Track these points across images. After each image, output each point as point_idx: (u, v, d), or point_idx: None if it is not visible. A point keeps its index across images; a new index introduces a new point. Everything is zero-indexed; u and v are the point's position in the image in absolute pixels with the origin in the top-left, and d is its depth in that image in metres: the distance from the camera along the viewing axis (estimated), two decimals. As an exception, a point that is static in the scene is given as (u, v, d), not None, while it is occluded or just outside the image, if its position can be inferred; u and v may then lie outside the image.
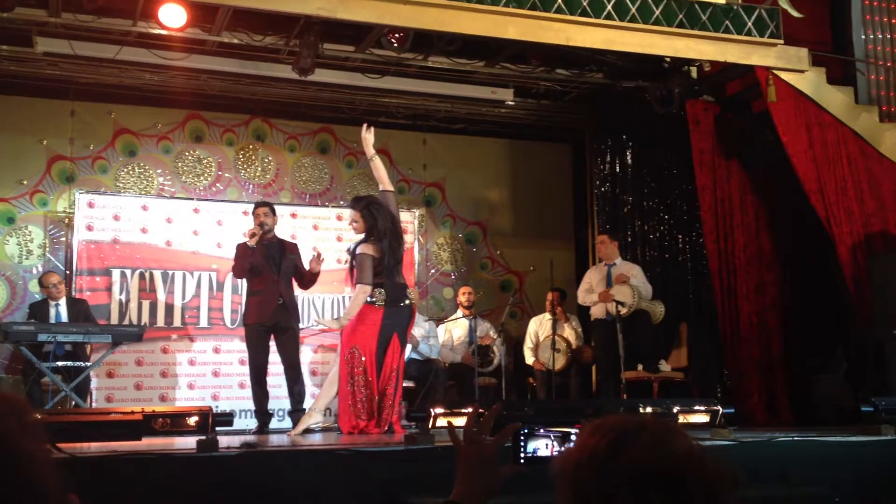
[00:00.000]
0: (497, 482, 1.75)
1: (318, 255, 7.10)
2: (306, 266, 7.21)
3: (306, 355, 8.30)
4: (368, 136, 6.54)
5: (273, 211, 7.28)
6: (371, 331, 6.25)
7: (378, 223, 6.27)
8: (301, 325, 7.55)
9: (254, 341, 7.04)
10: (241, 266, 7.05)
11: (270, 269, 7.02)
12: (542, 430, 1.84)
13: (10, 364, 8.05)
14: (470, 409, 1.88)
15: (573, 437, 1.86)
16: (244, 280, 7.45)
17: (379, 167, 6.55)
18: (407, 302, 6.35)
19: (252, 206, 8.05)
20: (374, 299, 6.26)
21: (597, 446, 1.30)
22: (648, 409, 5.42)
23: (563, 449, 1.86)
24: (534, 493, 3.16)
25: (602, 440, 1.30)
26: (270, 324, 6.99)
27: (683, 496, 1.26)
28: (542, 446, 1.84)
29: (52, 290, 7.54)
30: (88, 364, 7.21)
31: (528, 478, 1.84)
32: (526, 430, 1.83)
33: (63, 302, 7.60)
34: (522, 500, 3.36)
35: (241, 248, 7.11)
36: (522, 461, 1.83)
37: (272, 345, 7.13)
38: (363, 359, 6.22)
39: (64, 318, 7.50)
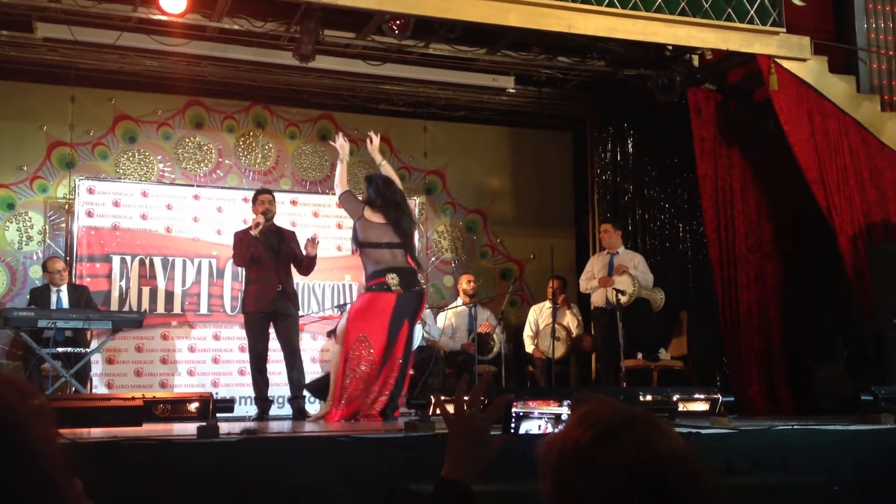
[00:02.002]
0: (488, 455, 1.73)
1: (314, 237, 7.11)
2: (303, 251, 7.22)
3: (306, 342, 8.30)
4: (374, 147, 6.68)
5: (274, 198, 7.29)
6: (382, 319, 6.13)
7: (370, 193, 6.44)
8: (301, 313, 7.55)
9: (253, 329, 7.03)
10: (243, 254, 7.04)
11: (269, 256, 7.01)
12: (535, 413, 1.85)
13: (10, 350, 8.05)
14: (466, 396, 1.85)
15: (564, 419, 1.86)
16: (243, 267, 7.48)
17: (389, 171, 6.64)
18: (418, 288, 6.35)
19: (252, 192, 8.08)
20: (387, 283, 6.15)
21: (581, 439, 1.29)
22: (648, 398, 5.44)
23: (554, 431, 1.85)
24: (525, 481, 3.17)
25: (587, 434, 1.29)
26: (269, 311, 6.98)
27: (663, 500, 1.25)
28: (535, 427, 1.85)
29: (55, 276, 7.55)
30: (88, 350, 7.21)
31: (521, 463, 1.84)
32: (520, 413, 1.83)
33: (64, 288, 7.61)
34: (513, 488, 3.38)
35: (240, 237, 7.12)
36: (513, 431, 1.83)
37: (272, 332, 7.13)
38: (371, 350, 6.12)
39: (65, 304, 7.51)
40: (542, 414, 1.85)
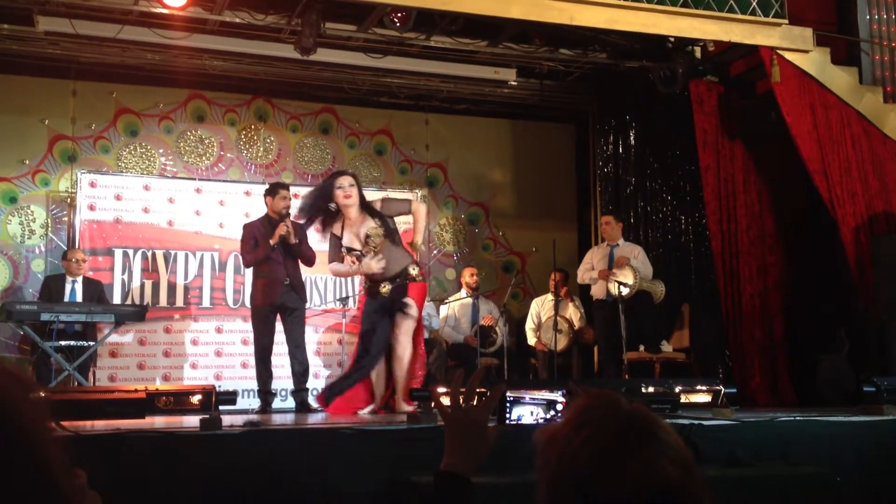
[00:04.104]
0: (486, 447, 1.74)
1: (282, 225, 7.01)
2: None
3: (308, 335, 8.29)
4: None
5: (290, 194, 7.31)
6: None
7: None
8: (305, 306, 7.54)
9: (260, 322, 7.00)
10: (255, 255, 7.00)
11: (278, 250, 7.00)
12: (527, 398, 1.84)
13: (17, 343, 8.05)
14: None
15: (559, 406, 1.85)
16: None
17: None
18: (399, 280, 6.29)
19: (254, 186, 8.11)
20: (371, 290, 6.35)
21: (578, 455, 1.26)
22: (651, 389, 5.44)
23: (547, 418, 1.85)
24: (520, 472, 3.17)
25: (585, 447, 1.26)
26: (278, 304, 6.97)
27: None
28: (527, 414, 1.84)
29: (74, 264, 7.55)
30: (92, 343, 7.22)
31: (516, 454, 1.83)
32: (511, 399, 1.82)
33: (80, 279, 7.61)
34: (510, 480, 3.38)
35: (250, 231, 7.08)
36: (507, 420, 1.82)
37: (278, 325, 7.12)
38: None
39: (79, 295, 7.52)
40: (534, 399, 1.84)
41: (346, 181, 6.31)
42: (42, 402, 1.17)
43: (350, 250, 6.23)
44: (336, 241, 6.34)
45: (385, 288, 6.19)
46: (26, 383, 1.16)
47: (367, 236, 6.22)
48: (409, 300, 6.20)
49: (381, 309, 6.27)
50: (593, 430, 1.28)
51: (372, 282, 6.29)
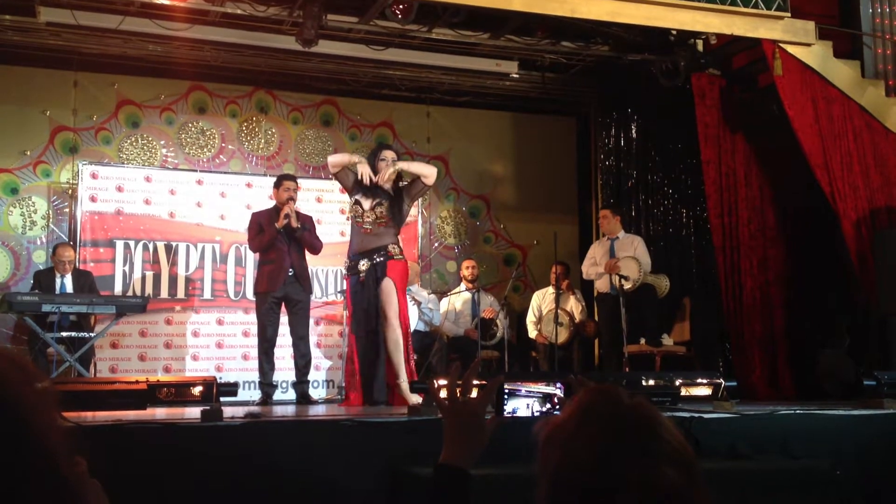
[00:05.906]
0: (484, 439, 1.74)
1: (282, 212, 6.97)
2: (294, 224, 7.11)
3: (310, 327, 8.31)
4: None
5: (298, 185, 7.30)
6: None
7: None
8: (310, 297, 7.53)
9: (265, 312, 6.99)
10: (260, 241, 7.01)
11: (283, 239, 7.01)
12: (522, 391, 1.84)
13: (14, 334, 8.06)
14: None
15: (556, 400, 1.85)
16: (250, 252, 7.49)
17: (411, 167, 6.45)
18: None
19: (255, 177, 8.10)
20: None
21: (579, 455, 1.25)
22: (651, 382, 5.44)
23: (543, 410, 1.85)
24: (516, 464, 3.18)
25: (585, 450, 1.25)
26: (280, 294, 6.97)
27: None
28: (523, 406, 1.84)
29: (62, 264, 7.54)
30: (92, 335, 7.23)
31: (511, 446, 1.83)
32: (507, 391, 1.83)
33: (69, 273, 7.61)
34: (505, 472, 3.39)
35: (257, 219, 7.10)
36: (505, 413, 1.83)
37: (283, 318, 7.12)
38: None
39: (69, 288, 7.52)
40: (530, 392, 1.84)
41: (389, 155, 6.32)
42: (47, 390, 1.17)
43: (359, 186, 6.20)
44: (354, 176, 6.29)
45: (364, 265, 6.18)
46: (30, 372, 1.17)
47: (376, 206, 6.19)
48: (388, 280, 6.13)
49: (362, 289, 6.23)
50: (595, 430, 1.27)
51: (350, 259, 6.27)
